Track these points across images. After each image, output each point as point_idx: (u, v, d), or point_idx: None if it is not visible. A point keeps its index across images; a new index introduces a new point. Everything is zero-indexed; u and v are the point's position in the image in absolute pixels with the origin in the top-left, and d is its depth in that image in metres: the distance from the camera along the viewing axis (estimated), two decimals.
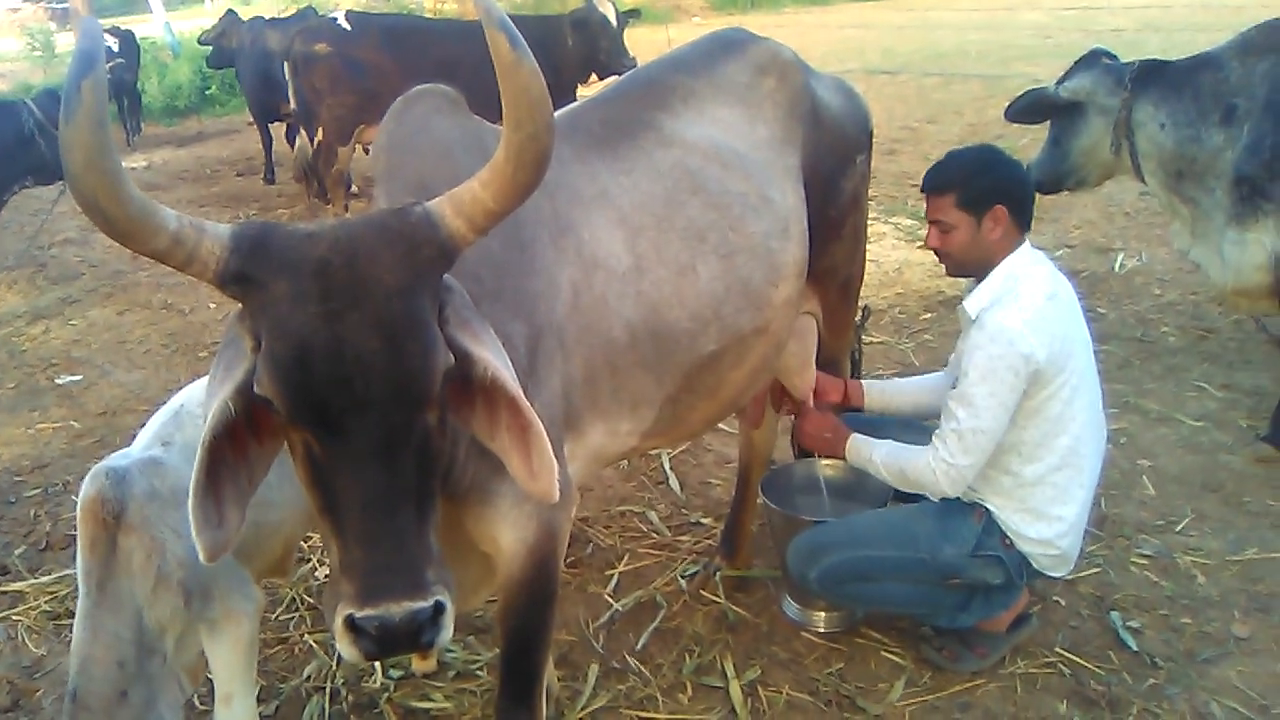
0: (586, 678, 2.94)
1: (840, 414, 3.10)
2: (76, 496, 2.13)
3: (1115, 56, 4.50)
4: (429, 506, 1.68)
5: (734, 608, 3.26)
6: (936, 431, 2.71)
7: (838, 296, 3.09)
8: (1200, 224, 4.15)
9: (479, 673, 3.02)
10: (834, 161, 2.84)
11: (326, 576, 3.37)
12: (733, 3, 28.31)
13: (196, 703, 2.80)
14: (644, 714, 2.82)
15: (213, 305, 6.44)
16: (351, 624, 1.59)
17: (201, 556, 1.68)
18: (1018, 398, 2.60)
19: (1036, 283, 2.65)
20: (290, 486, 2.19)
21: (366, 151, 7.63)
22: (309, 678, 3.04)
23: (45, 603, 3.40)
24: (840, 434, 2.94)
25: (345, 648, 1.62)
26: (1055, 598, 3.18)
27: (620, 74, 7.71)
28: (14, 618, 3.34)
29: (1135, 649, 2.98)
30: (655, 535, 3.73)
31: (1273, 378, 4.60)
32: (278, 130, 9.88)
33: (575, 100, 7.34)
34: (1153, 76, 4.18)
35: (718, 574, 3.37)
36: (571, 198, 2.24)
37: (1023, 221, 2.70)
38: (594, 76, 7.75)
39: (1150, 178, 4.24)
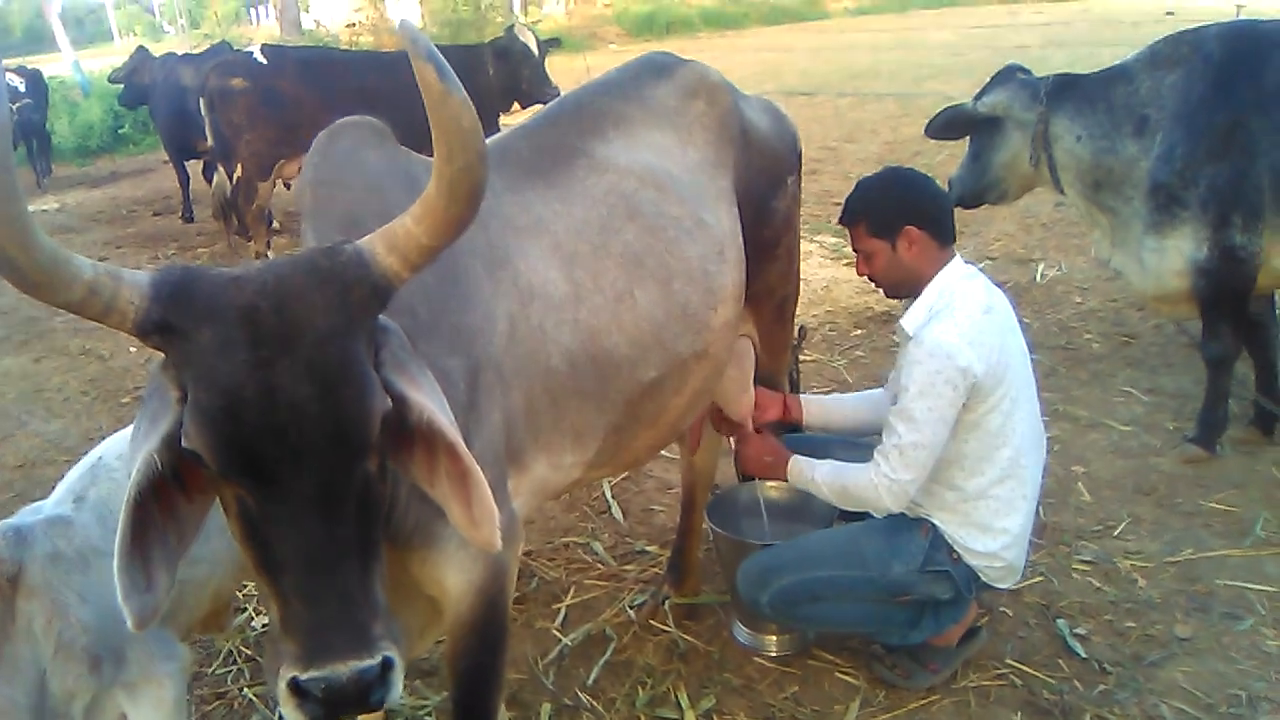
0: (539, 717, 2.87)
1: (781, 434, 3.09)
2: None
3: (1029, 71, 4.59)
4: (372, 557, 1.62)
5: (684, 636, 3.22)
6: (878, 448, 2.71)
7: (774, 317, 3.09)
8: (1119, 232, 4.24)
9: (427, 718, 2.93)
10: (765, 183, 2.84)
11: (265, 627, 3.25)
12: (648, 29, 28.59)
13: None
14: None
15: (134, 350, 6.24)
16: (296, 686, 1.52)
17: (130, 624, 1.57)
18: (957, 411, 2.61)
19: (971, 297, 2.67)
20: (219, 538, 2.11)
21: (287, 187, 7.51)
22: None
23: None
24: (781, 456, 2.93)
25: (290, 712, 1.55)
26: (1002, 608, 3.20)
27: (544, 102, 7.73)
28: None
29: (1084, 656, 3.01)
30: (601, 566, 3.68)
31: (1194, 380, 4.70)
32: (194, 167, 9.68)
33: (499, 129, 7.32)
34: (1067, 90, 4.27)
35: (666, 602, 3.32)
36: (505, 227, 2.20)
37: (941, 237, 2.72)
38: (516, 105, 7.72)
39: (1069, 189, 4.32)
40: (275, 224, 8.08)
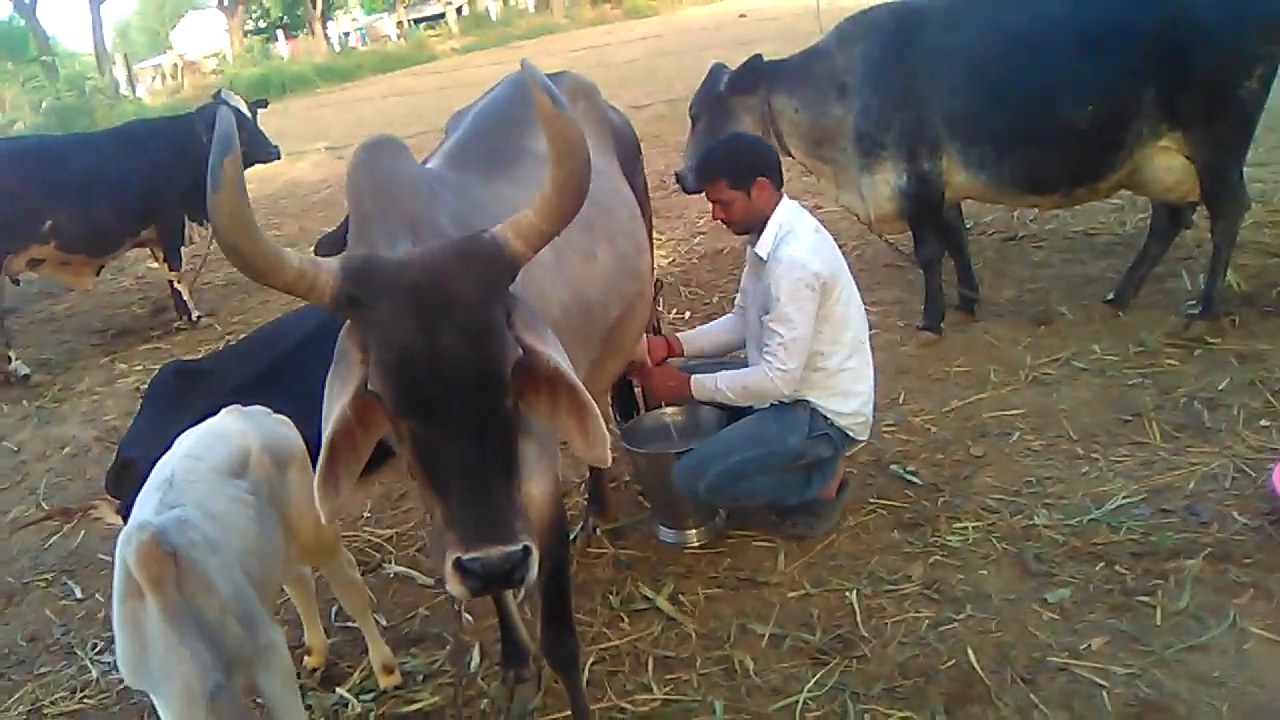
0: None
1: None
2: None
3: (727, 68, 5.49)
4: (512, 471, 2.07)
5: (622, 551, 3.82)
6: (765, 349, 3.45)
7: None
8: (841, 177, 5.30)
9: (443, 669, 3.33)
10: (629, 163, 3.52)
11: None
12: (264, 90, 27.98)
13: None
14: (603, 646, 3.31)
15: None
16: (459, 565, 1.95)
17: (323, 518, 2.08)
18: (816, 307, 3.41)
19: (804, 222, 3.50)
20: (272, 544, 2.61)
21: (16, 283, 7.14)
22: None
23: None
24: (681, 379, 3.62)
25: (454, 586, 1.98)
26: (850, 470, 4.05)
27: (266, 160, 7.86)
28: None
29: (920, 483, 3.94)
30: None
31: (902, 289, 5.90)
32: None
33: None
34: (779, 73, 5.25)
35: (597, 530, 3.90)
36: (493, 217, 2.69)
37: (778, 183, 3.53)
38: None
39: (795, 151, 5.31)
40: (195, 315, 7.71)
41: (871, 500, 3.87)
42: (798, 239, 3.42)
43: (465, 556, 1.93)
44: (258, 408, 2.94)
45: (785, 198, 3.56)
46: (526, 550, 1.98)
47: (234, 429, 2.73)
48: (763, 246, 3.49)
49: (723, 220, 3.56)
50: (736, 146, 3.63)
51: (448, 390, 1.92)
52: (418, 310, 1.91)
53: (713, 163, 3.53)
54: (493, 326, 1.97)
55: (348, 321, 2.03)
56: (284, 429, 2.89)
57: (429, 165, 2.86)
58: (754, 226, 3.54)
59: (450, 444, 1.97)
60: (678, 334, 3.91)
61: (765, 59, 5.31)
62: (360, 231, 2.37)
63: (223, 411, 2.85)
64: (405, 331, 1.91)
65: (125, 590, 2.23)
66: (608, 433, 2.17)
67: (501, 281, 2.02)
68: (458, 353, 1.91)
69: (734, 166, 3.47)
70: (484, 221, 2.30)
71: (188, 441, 2.67)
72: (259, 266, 1.88)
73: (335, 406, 2.02)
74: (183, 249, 7.64)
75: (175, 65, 34.28)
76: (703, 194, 5.77)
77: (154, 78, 33.56)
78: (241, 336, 5.64)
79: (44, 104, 23.69)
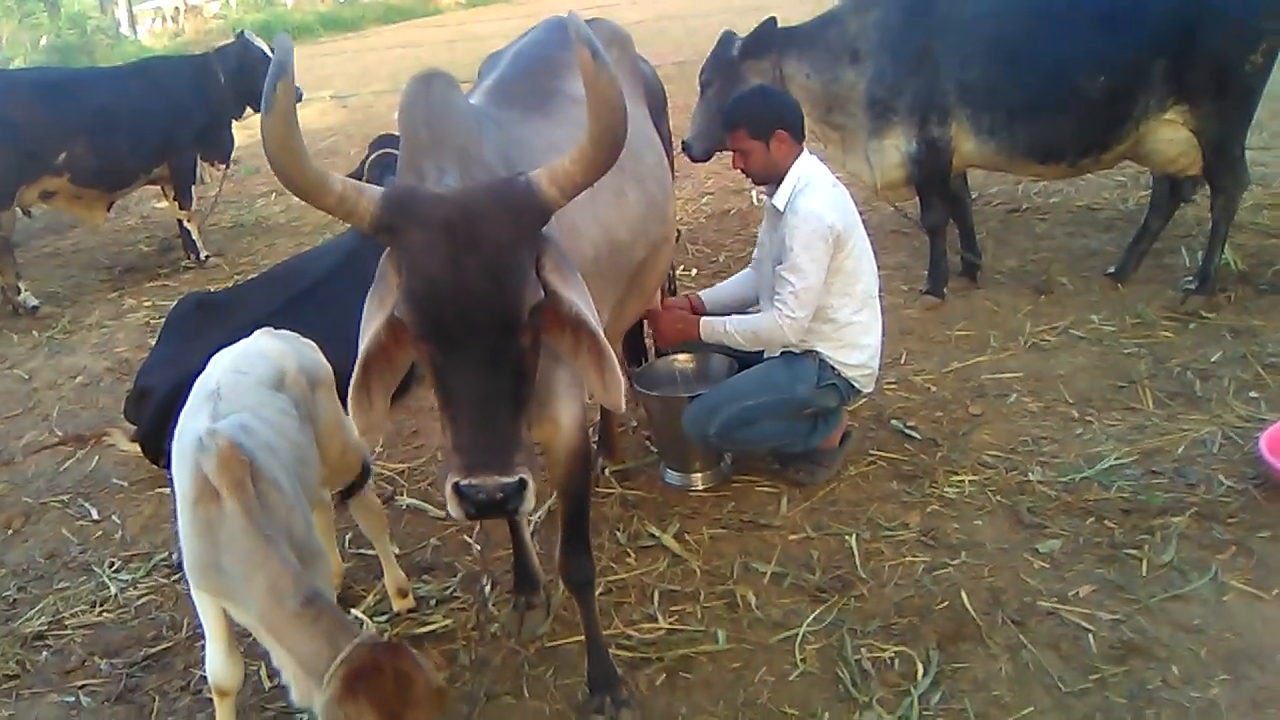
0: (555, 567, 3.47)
1: None
2: None
3: (738, 35, 5.52)
4: (520, 406, 2.17)
5: (629, 492, 3.94)
6: (775, 297, 3.55)
7: None
8: (849, 143, 5.38)
9: (456, 595, 3.46)
10: (656, 111, 3.61)
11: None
12: (267, 37, 27.76)
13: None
14: (612, 579, 3.43)
15: None
16: (457, 489, 2.07)
17: (357, 431, 2.26)
18: (828, 259, 3.51)
19: (822, 176, 3.59)
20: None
21: (28, 214, 7.19)
22: None
23: None
24: (691, 320, 3.72)
25: (453, 508, 2.11)
26: (852, 423, 4.16)
27: None
28: None
29: (919, 438, 4.07)
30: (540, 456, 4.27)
31: (907, 254, 6.01)
32: None
33: (233, 137, 7.41)
34: (791, 39, 5.31)
35: (606, 471, 4.02)
36: (532, 152, 2.78)
37: (799, 136, 3.62)
38: (249, 110, 7.78)
39: (805, 117, 5.36)
40: (204, 255, 7.73)
41: (872, 452, 3.99)
42: (815, 192, 3.51)
43: (463, 482, 2.06)
44: (287, 331, 3.03)
45: (805, 152, 3.64)
46: (522, 483, 2.08)
47: (271, 347, 2.83)
48: (780, 198, 3.58)
49: (742, 169, 3.65)
50: (760, 98, 3.72)
51: (465, 322, 2.03)
52: (446, 243, 2.01)
53: (736, 111, 3.62)
54: (516, 266, 2.06)
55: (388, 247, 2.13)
56: (314, 352, 2.99)
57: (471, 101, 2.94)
58: (772, 178, 3.63)
59: (463, 373, 2.08)
60: (701, 292, 4.00)
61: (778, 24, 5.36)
62: (410, 159, 2.43)
63: (256, 333, 2.95)
64: (432, 262, 2.01)
65: (197, 495, 2.32)
66: (623, 379, 2.27)
67: (531, 224, 2.11)
68: (479, 288, 2.01)
69: (756, 116, 3.55)
70: (524, 157, 2.39)
71: (227, 358, 2.76)
72: (304, 187, 2.00)
73: (371, 324, 2.14)
74: (193, 188, 7.67)
75: (177, 8, 33.96)
76: (708, 161, 5.94)
77: (154, 19, 33.23)
78: (259, 273, 5.73)
79: (43, 40, 23.50)
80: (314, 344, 3.05)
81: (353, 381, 2.17)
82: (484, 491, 2.05)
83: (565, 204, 2.14)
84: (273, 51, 1.95)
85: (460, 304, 2.01)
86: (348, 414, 2.28)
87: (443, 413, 2.17)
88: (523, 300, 2.07)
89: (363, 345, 2.14)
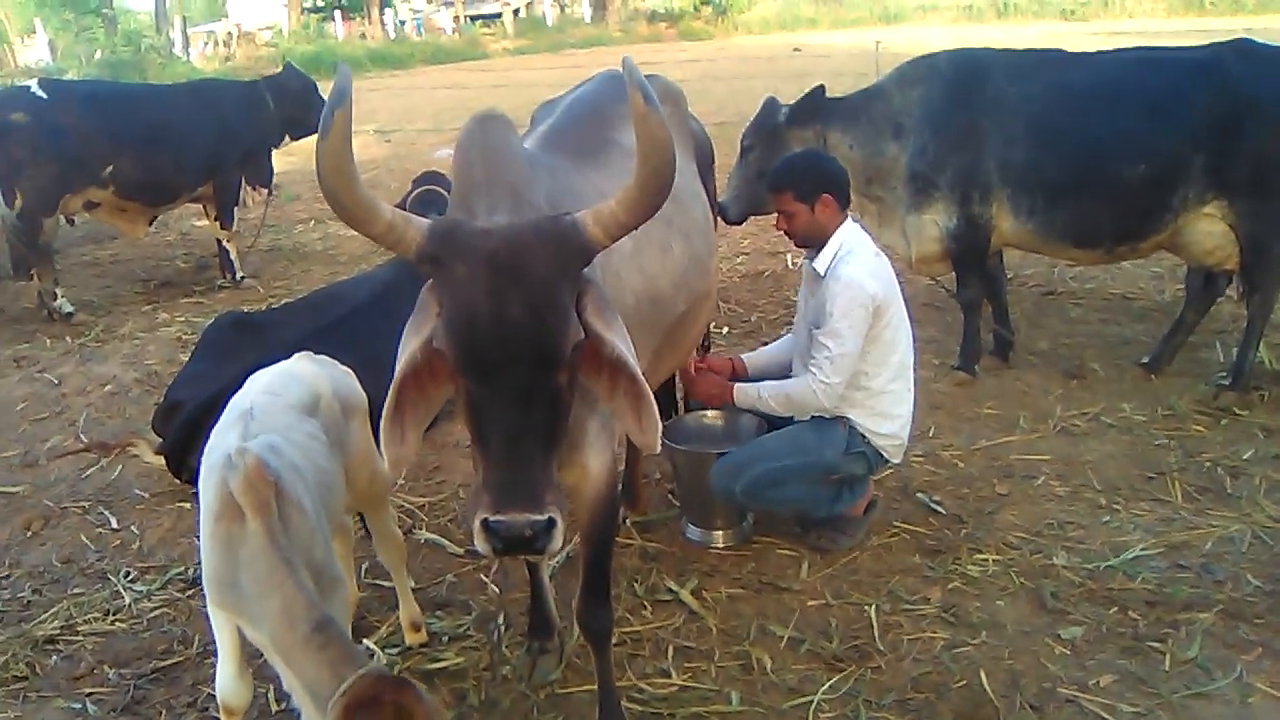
0: (571, 614, 3.43)
1: None
2: None
3: (780, 102, 5.56)
4: (553, 444, 2.18)
5: (649, 544, 3.92)
6: (811, 363, 3.56)
7: None
8: (885, 215, 5.42)
9: (470, 633, 3.44)
10: (704, 170, 3.66)
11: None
12: (315, 69, 28.20)
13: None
14: (627, 630, 3.40)
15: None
16: (486, 525, 2.07)
17: (387, 466, 2.23)
18: (867, 328, 3.52)
19: (865, 245, 3.61)
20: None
21: (71, 222, 7.29)
22: None
23: None
24: (726, 387, 3.73)
25: (480, 544, 2.11)
26: (877, 493, 4.14)
27: None
28: None
29: (944, 513, 4.04)
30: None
31: (938, 329, 6.01)
32: None
33: (272, 165, 7.57)
34: (836, 110, 5.36)
35: (627, 521, 4.00)
36: (582, 199, 2.81)
37: (844, 202, 3.65)
38: (287, 138, 7.93)
39: None
40: (241, 277, 7.83)
41: (896, 524, 3.96)
42: (857, 260, 3.53)
43: (492, 518, 2.06)
44: (325, 357, 3.06)
45: (850, 219, 3.67)
46: (551, 521, 2.08)
47: (307, 372, 2.85)
48: (821, 262, 3.60)
49: (785, 231, 3.68)
50: (809, 161, 3.76)
51: (504, 357, 2.04)
52: (489, 277, 2.03)
53: (784, 173, 3.66)
54: (557, 304, 2.07)
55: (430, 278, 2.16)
56: (350, 380, 3.01)
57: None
58: (814, 242, 3.65)
59: (498, 408, 2.09)
60: (744, 355, 4.03)
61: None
62: (462, 195, 2.47)
63: (295, 356, 2.97)
64: (474, 295, 2.03)
65: (221, 511, 2.33)
66: (660, 421, 2.26)
67: (575, 263, 2.13)
68: (519, 323, 2.02)
69: (803, 179, 3.58)
70: (573, 204, 2.42)
71: (264, 379, 2.79)
72: (354, 214, 2.03)
73: (407, 350, 2.16)
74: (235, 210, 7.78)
75: (230, 34, 34.69)
76: (742, 224, 5.97)
77: (206, 43, 33.93)
78: (296, 297, 5.78)
79: (98, 55, 23.99)
80: (350, 371, 3.07)
81: (385, 411, 2.17)
82: (513, 528, 2.05)
83: (609, 244, 2.15)
84: (334, 79, 1.99)
85: (500, 337, 2.02)
86: (378, 444, 2.28)
87: (475, 447, 2.18)
88: (564, 337, 2.08)
89: (398, 370, 2.16)
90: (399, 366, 2.16)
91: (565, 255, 2.10)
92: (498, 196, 2.41)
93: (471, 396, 2.12)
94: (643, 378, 2.23)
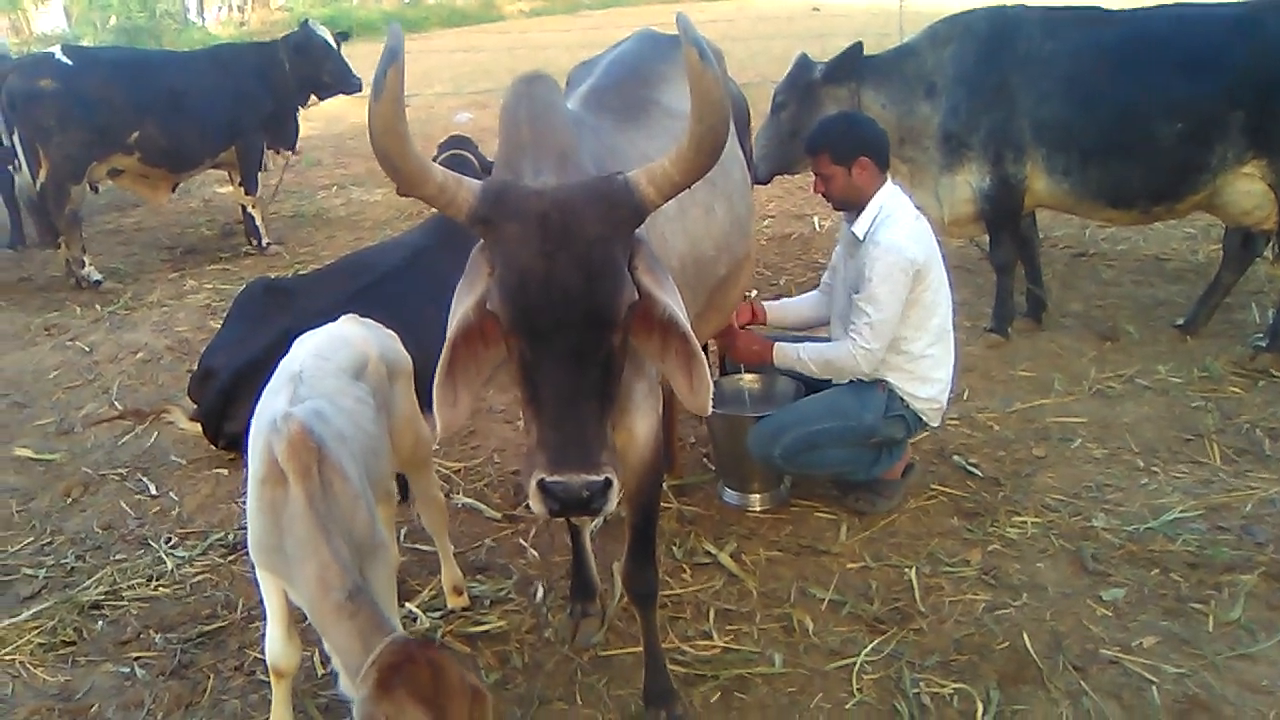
0: (611, 577, 3.45)
1: None
2: None
3: (814, 60, 5.51)
4: (607, 405, 2.17)
5: (686, 507, 3.93)
6: (851, 327, 3.54)
7: None
8: (918, 175, 5.36)
9: (511, 596, 3.46)
10: (741, 129, 3.61)
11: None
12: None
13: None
14: (668, 594, 3.40)
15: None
16: (542, 486, 2.06)
17: (439, 429, 2.20)
18: (907, 292, 3.49)
19: (905, 208, 3.57)
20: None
21: (95, 189, 7.30)
22: None
23: (33, 636, 3.35)
24: (766, 345, 3.71)
25: (536, 505, 2.09)
26: (914, 456, 4.13)
27: (349, 92, 7.97)
28: (6, 658, 3.27)
29: (981, 476, 4.03)
30: None
31: (971, 291, 5.95)
32: None
33: (298, 124, 7.53)
34: (870, 68, 5.29)
35: (663, 485, 4.00)
36: (626, 160, 2.79)
37: (883, 165, 3.61)
38: (314, 99, 7.90)
39: None
40: (266, 243, 7.79)
41: (934, 486, 3.96)
42: (897, 224, 3.49)
43: (549, 479, 2.05)
44: (371, 320, 3.05)
45: (889, 182, 3.63)
46: (608, 482, 2.07)
47: (355, 334, 2.85)
48: (860, 226, 3.57)
49: (823, 194, 3.64)
50: (846, 123, 3.71)
51: (557, 317, 2.03)
52: (541, 237, 2.01)
53: (821, 135, 3.61)
54: (610, 264, 2.06)
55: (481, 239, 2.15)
56: (395, 343, 3.01)
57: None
58: (852, 205, 3.61)
59: (552, 369, 2.07)
60: (766, 302, 3.99)
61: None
62: (508, 157, 2.45)
63: (342, 319, 2.97)
64: (526, 255, 2.02)
65: (266, 475, 2.34)
66: (711, 383, 2.25)
67: (627, 223, 2.10)
68: (572, 283, 2.01)
69: (840, 141, 3.54)
70: (617, 164, 2.40)
71: (312, 342, 2.78)
72: (406, 175, 2.02)
73: (459, 310, 2.14)
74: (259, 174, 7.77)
75: None
76: (769, 184, 5.93)
77: (221, 8, 33.73)
78: (326, 263, 5.79)
79: (112, 20, 23.90)
80: (395, 335, 3.06)
81: (439, 373, 2.16)
82: (570, 489, 2.03)
83: (662, 204, 2.13)
84: (386, 40, 1.97)
85: (553, 298, 2.01)
86: (427, 409, 2.27)
87: (527, 409, 2.16)
88: (618, 297, 2.06)
89: (451, 331, 2.15)
90: (451, 328, 2.15)
91: (618, 215, 2.08)
92: (544, 158, 2.39)
93: (525, 357, 2.11)
94: (694, 337, 2.22)
